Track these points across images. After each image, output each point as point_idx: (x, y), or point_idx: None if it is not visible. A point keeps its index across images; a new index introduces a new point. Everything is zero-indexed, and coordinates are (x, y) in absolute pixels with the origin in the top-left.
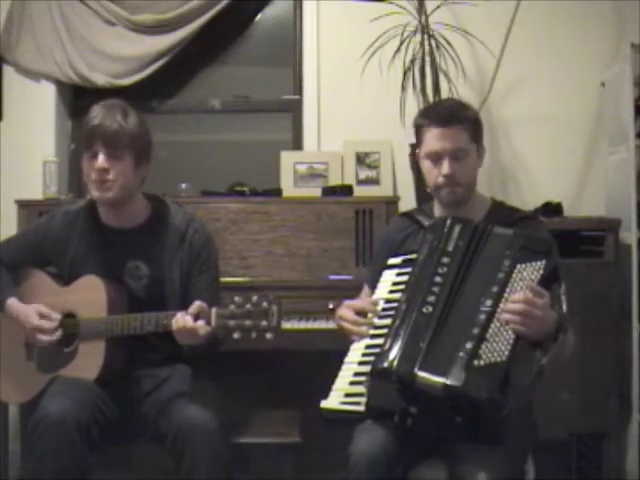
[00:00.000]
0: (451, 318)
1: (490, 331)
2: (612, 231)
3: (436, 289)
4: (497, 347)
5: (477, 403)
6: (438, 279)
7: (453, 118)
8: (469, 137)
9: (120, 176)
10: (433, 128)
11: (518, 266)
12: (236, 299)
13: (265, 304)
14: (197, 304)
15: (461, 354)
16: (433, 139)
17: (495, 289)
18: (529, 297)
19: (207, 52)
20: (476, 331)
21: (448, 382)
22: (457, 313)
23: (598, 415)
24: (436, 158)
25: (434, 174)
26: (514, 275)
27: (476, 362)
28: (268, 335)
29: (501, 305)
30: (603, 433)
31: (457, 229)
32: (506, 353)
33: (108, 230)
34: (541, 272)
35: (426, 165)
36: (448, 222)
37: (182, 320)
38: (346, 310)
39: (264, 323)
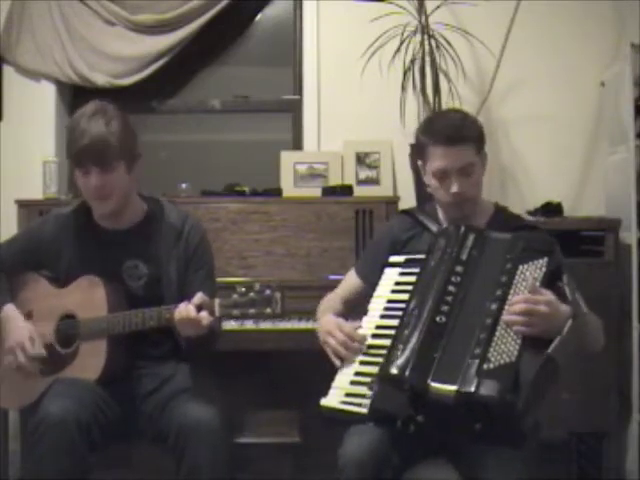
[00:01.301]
0: (460, 327)
1: (497, 334)
2: (612, 231)
3: (449, 298)
4: (506, 349)
5: (489, 405)
6: (452, 288)
7: (459, 137)
8: (474, 152)
9: (117, 187)
10: (438, 146)
11: (520, 267)
12: (238, 288)
13: (268, 292)
14: (200, 295)
15: (470, 360)
16: (439, 157)
17: (499, 292)
18: (529, 296)
19: (207, 52)
20: (483, 335)
21: (459, 388)
22: (465, 321)
23: (598, 415)
24: (443, 176)
25: (441, 192)
26: (517, 276)
27: (486, 366)
28: (271, 326)
29: (506, 307)
30: (603, 433)
31: (471, 238)
32: (515, 353)
33: (103, 231)
34: (544, 270)
35: (433, 182)
36: (462, 230)
37: (185, 310)
38: (337, 331)
39: (268, 310)
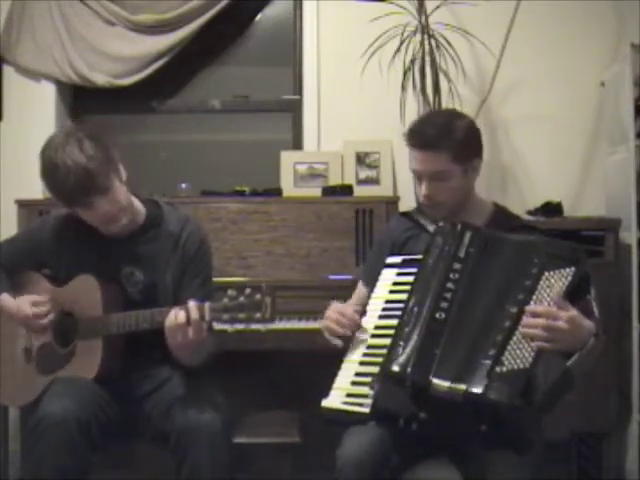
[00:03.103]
0: (466, 325)
1: (514, 338)
2: (612, 231)
3: (448, 295)
4: (521, 354)
5: (498, 409)
6: (450, 285)
7: (431, 144)
8: (450, 159)
9: (120, 206)
10: (412, 149)
11: (546, 273)
12: (229, 292)
13: (258, 296)
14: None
15: (483, 361)
16: (414, 160)
17: (521, 296)
18: (550, 310)
19: (207, 52)
20: (499, 338)
21: (469, 389)
22: (472, 319)
23: (598, 415)
24: (418, 177)
25: (418, 191)
26: (541, 282)
27: (498, 369)
28: (262, 327)
29: (524, 317)
30: (603, 433)
31: (468, 235)
32: (530, 360)
33: (101, 237)
34: (569, 279)
35: (414, 180)
36: (459, 227)
37: (174, 317)
38: (332, 312)
39: (258, 315)
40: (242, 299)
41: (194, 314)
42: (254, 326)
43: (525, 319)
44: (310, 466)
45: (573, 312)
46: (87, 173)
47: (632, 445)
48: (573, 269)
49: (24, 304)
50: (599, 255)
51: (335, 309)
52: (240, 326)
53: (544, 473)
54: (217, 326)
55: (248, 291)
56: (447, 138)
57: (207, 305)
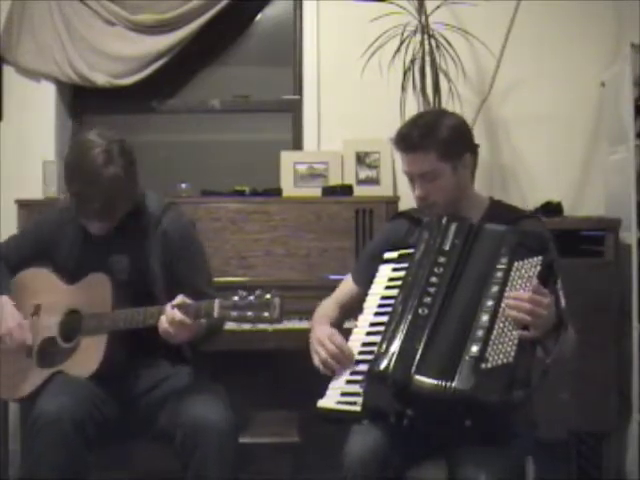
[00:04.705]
0: (447, 319)
1: (495, 332)
2: (612, 231)
3: (432, 290)
4: (503, 349)
5: (487, 406)
6: (434, 279)
7: (415, 145)
8: (437, 158)
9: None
10: (399, 152)
11: (516, 263)
12: (239, 291)
13: (268, 296)
14: (179, 298)
15: (467, 357)
16: (403, 162)
17: (495, 289)
18: (534, 296)
19: (207, 52)
20: (480, 333)
21: (456, 386)
22: (453, 314)
23: (598, 415)
24: (409, 178)
25: (413, 193)
26: (512, 273)
27: (483, 365)
28: (269, 327)
29: (502, 305)
30: (603, 433)
31: (453, 227)
32: (512, 354)
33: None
34: (538, 268)
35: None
36: (444, 220)
37: (171, 314)
38: (327, 341)
39: (266, 314)
40: (251, 298)
41: (177, 317)
42: (261, 325)
43: (512, 302)
44: (310, 466)
45: (550, 300)
46: (109, 204)
47: (632, 445)
48: (541, 258)
49: (11, 320)
50: (599, 255)
51: (331, 339)
52: (247, 326)
53: (544, 473)
54: (226, 326)
55: (258, 291)
56: (431, 138)
57: (217, 301)
